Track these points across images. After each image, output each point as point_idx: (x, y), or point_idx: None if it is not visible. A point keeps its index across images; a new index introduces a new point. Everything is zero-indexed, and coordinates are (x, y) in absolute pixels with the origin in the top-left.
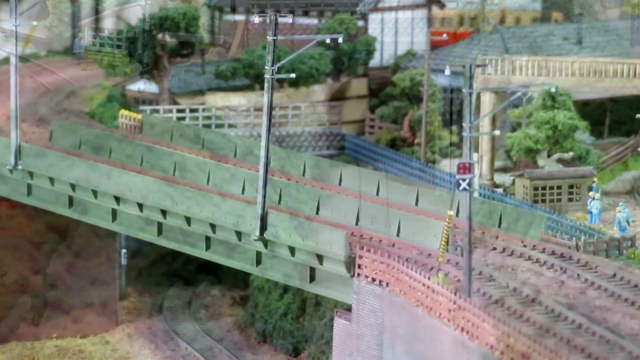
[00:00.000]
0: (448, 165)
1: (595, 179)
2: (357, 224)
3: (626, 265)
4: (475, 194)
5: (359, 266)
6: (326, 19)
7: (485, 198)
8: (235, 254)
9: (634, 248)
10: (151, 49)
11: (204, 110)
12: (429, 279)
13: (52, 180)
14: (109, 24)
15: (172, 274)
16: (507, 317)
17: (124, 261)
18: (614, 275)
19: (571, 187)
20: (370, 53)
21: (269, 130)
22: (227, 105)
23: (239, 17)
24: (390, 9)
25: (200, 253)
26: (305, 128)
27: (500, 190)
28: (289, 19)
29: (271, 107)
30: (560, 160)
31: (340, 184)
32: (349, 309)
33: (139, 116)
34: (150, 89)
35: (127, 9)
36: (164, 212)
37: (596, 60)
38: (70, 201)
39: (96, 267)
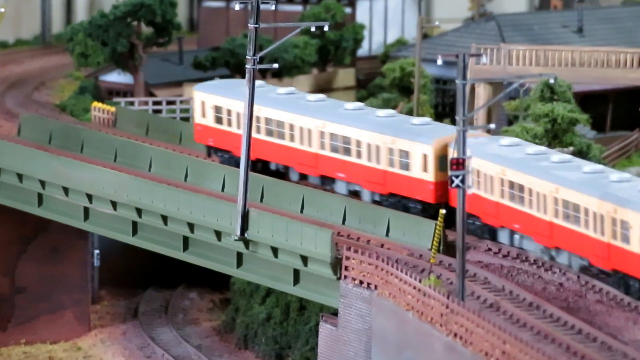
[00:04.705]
0: None
1: None
2: (344, 223)
3: None
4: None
5: (346, 268)
6: (311, 6)
7: None
8: (214, 255)
9: None
10: (125, 37)
11: (181, 102)
12: (420, 281)
13: (20, 176)
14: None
15: (147, 276)
16: (502, 322)
17: (96, 262)
18: None
19: None
20: (358, 42)
21: (250, 124)
22: None
23: (219, 4)
24: None
25: (178, 254)
26: None
27: None
28: (271, 6)
29: (253, 99)
30: None
31: None
32: (335, 313)
33: (113, 109)
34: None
35: None
36: (139, 211)
37: (598, 50)
38: (40, 199)
39: (67, 269)
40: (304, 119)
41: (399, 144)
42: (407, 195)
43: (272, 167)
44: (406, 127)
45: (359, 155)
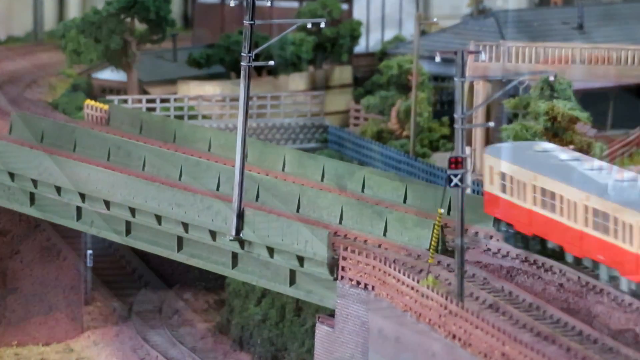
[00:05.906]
0: (439, 160)
1: None
2: (340, 222)
3: None
4: (468, 191)
5: (343, 268)
6: (307, 2)
7: (478, 195)
8: (209, 255)
9: None
10: (119, 34)
11: (175, 100)
12: (418, 282)
13: (12, 175)
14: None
15: (141, 277)
16: (502, 323)
17: (89, 263)
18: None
19: None
20: (355, 38)
21: (245, 122)
22: (201, 94)
23: (214, 0)
24: None
25: (172, 254)
26: (285, 119)
27: None
28: (267, 2)
29: (248, 97)
30: None
31: (322, 179)
32: (331, 314)
33: (106, 107)
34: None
35: None
36: (132, 210)
37: (598, 46)
38: (32, 198)
39: (60, 269)
40: (568, 189)
41: None
42: None
43: (550, 245)
44: None
45: (615, 234)
